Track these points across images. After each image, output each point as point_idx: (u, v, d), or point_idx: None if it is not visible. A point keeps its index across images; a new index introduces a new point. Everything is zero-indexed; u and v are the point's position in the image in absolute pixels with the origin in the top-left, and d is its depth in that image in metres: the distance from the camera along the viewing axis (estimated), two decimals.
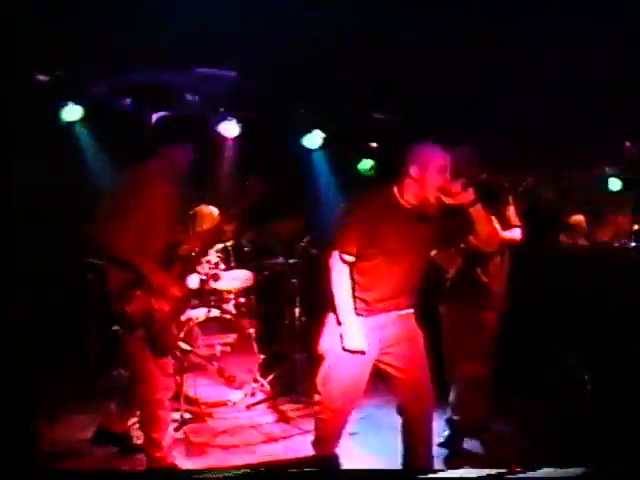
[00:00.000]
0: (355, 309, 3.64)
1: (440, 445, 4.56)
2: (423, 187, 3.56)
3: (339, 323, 3.63)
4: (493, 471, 2.41)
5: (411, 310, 3.82)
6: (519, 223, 4.53)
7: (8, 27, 3.09)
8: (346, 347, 3.60)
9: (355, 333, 3.59)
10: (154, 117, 6.52)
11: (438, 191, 3.53)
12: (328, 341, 3.72)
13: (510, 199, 4.51)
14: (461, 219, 3.59)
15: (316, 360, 3.85)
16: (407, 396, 3.77)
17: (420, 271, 3.79)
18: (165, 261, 3.96)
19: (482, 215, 3.58)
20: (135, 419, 4.46)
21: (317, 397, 3.83)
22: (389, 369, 3.77)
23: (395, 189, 3.67)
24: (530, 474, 2.33)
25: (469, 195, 3.52)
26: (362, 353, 3.60)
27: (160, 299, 3.85)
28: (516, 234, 4.52)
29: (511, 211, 4.51)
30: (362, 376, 3.72)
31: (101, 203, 3.95)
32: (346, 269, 3.63)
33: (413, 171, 3.57)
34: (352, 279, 3.65)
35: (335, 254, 3.64)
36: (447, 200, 3.54)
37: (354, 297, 3.65)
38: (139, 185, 3.88)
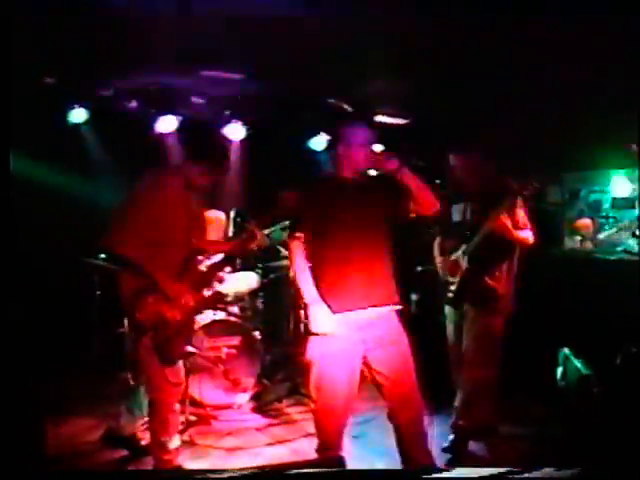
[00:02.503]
0: (330, 305, 3.66)
1: (444, 450, 4.55)
2: (352, 160, 3.79)
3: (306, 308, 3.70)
4: (493, 471, 2.41)
5: (392, 307, 3.79)
6: (528, 226, 4.53)
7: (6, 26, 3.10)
8: (314, 330, 3.64)
9: (321, 314, 3.62)
10: (161, 120, 6.59)
11: (366, 162, 3.78)
12: (313, 347, 3.74)
13: (519, 202, 4.50)
14: (395, 187, 3.77)
15: (306, 368, 3.87)
16: (394, 402, 3.77)
17: (383, 257, 3.80)
18: (181, 271, 3.94)
19: (411, 177, 3.73)
20: (142, 422, 4.49)
21: (312, 405, 3.86)
22: (374, 374, 3.77)
23: (333, 170, 3.92)
24: (530, 474, 2.33)
25: (394, 162, 3.72)
26: (330, 335, 3.62)
27: (172, 307, 3.82)
28: (528, 235, 4.51)
29: (520, 214, 4.51)
30: (352, 377, 3.71)
31: (115, 212, 3.90)
32: (302, 251, 3.76)
33: (340, 149, 3.83)
34: (318, 273, 3.71)
35: (291, 239, 3.81)
36: (375, 169, 3.85)
37: (326, 292, 3.68)
38: (155, 195, 3.86)
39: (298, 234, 3.78)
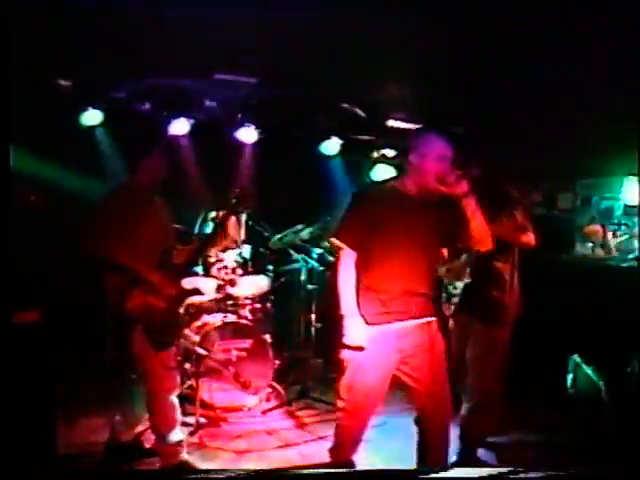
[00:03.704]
0: (369, 317, 3.66)
1: (453, 465, 4.50)
2: (422, 174, 3.65)
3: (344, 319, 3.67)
4: (493, 471, 2.41)
5: (431, 318, 3.79)
6: (530, 229, 4.50)
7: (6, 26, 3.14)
8: (346, 342, 3.64)
9: (356, 329, 3.63)
10: (174, 122, 6.62)
11: (436, 179, 3.60)
12: (348, 352, 3.72)
13: (518, 206, 4.48)
14: (457, 214, 3.64)
15: (338, 367, 3.87)
16: (424, 407, 3.78)
17: (428, 272, 3.79)
18: (159, 264, 4.15)
19: (475, 209, 3.62)
20: (143, 426, 4.52)
21: (340, 404, 3.83)
22: (406, 378, 3.77)
23: (397, 179, 3.81)
24: (530, 474, 2.34)
25: (463, 186, 3.58)
26: (361, 349, 3.62)
27: (157, 297, 4.05)
28: (529, 238, 4.47)
29: (519, 216, 4.47)
30: (383, 383, 3.74)
31: (95, 217, 4.17)
32: (351, 265, 3.69)
33: (413, 158, 3.68)
34: (363, 282, 3.69)
35: (339, 249, 3.73)
36: (443, 189, 3.61)
37: (366, 303, 3.67)
38: (129, 195, 4.13)
39: (347, 246, 3.71)
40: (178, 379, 4.38)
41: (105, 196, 4.28)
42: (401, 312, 3.69)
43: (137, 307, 4.00)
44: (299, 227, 6.27)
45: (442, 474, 2.67)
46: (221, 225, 5.04)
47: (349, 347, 3.64)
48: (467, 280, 4.49)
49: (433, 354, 3.74)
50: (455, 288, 4.57)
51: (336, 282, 3.73)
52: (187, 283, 4.61)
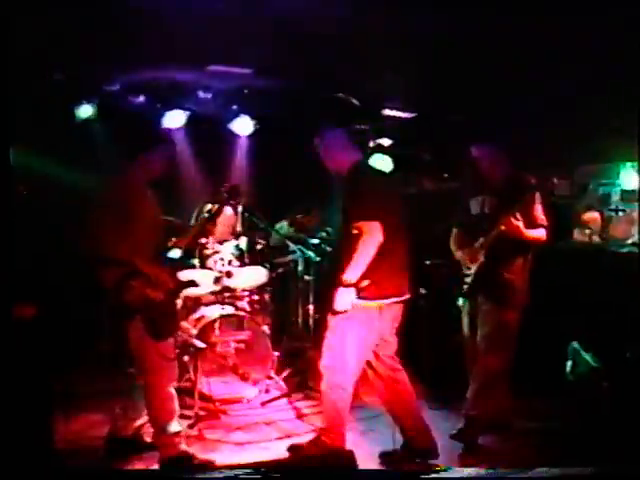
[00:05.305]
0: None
1: (452, 437, 4.54)
2: None
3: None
4: (493, 471, 2.42)
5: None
6: (545, 223, 4.52)
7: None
8: None
9: None
10: (168, 115, 6.60)
11: None
12: None
13: (537, 197, 4.50)
14: None
15: None
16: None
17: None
18: (155, 256, 4.18)
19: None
20: (143, 419, 4.50)
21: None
22: None
23: None
24: (530, 474, 2.34)
25: None
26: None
27: (155, 289, 4.06)
28: (541, 233, 4.51)
29: (538, 210, 4.50)
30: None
31: (91, 210, 4.18)
32: None
33: None
34: None
35: None
36: None
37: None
38: (124, 190, 4.16)
39: None
40: (177, 371, 4.38)
41: (102, 190, 4.29)
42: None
43: (135, 299, 3.99)
44: (297, 217, 6.26)
45: (442, 474, 2.68)
46: (211, 217, 5.04)
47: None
48: (481, 262, 4.53)
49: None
50: (469, 269, 4.62)
51: None
52: (184, 276, 4.60)
